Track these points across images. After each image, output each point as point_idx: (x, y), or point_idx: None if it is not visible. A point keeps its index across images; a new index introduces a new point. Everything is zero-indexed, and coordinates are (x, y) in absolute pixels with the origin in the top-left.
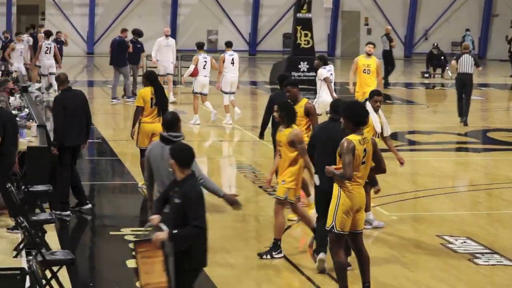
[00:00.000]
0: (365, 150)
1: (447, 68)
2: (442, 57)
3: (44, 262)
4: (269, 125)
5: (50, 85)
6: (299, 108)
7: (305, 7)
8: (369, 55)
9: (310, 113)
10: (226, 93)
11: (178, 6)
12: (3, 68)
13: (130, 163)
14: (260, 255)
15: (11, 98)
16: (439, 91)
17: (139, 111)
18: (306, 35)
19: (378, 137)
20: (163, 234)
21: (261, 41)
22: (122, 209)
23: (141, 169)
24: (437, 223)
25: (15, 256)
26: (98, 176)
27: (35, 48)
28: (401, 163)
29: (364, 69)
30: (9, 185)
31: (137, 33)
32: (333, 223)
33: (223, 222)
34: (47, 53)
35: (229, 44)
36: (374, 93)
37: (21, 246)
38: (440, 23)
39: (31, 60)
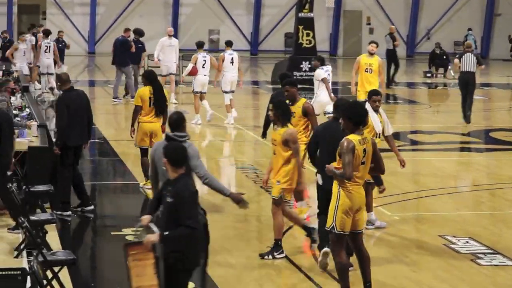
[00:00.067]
0: (364, 150)
1: (449, 67)
2: (445, 57)
3: (45, 263)
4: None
5: (52, 87)
6: (297, 108)
7: (307, 6)
8: (371, 54)
9: (308, 113)
10: (226, 92)
11: (179, 6)
12: (3, 68)
13: (132, 163)
14: (262, 256)
15: (12, 98)
16: (441, 90)
17: (137, 110)
18: (308, 35)
19: (378, 137)
20: (154, 237)
21: (263, 41)
22: (123, 209)
23: (141, 169)
24: (439, 223)
25: (16, 257)
26: (99, 176)
27: (37, 48)
28: (402, 165)
29: (366, 68)
30: (10, 185)
31: (139, 32)
32: (334, 223)
33: (224, 222)
34: (47, 52)
35: (229, 43)
36: (372, 93)
37: (22, 246)
38: (443, 23)
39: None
